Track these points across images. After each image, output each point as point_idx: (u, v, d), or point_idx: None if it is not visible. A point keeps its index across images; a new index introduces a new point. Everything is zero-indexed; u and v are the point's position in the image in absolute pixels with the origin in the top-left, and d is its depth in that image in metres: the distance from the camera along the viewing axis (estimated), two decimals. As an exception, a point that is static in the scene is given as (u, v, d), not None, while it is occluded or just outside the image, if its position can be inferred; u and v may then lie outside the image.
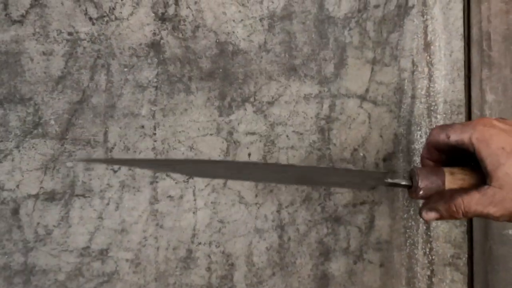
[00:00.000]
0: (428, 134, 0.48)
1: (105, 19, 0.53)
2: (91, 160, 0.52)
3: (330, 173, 0.47)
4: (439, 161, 0.48)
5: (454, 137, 0.44)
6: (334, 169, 0.51)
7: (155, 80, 0.54)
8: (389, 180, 0.46)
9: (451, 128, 0.45)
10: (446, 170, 0.46)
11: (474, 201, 0.43)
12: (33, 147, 0.52)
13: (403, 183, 0.46)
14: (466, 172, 0.46)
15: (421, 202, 0.57)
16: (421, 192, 0.45)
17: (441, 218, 0.45)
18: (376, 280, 0.56)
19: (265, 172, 0.47)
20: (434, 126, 0.54)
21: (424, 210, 0.46)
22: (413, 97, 0.57)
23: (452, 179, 0.45)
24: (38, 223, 0.52)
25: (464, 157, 0.46)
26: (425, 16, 0.57)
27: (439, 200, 0.45)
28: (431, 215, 0.45)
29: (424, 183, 0.45)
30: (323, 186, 0.54)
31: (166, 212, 0.54)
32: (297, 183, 0.53)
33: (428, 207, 0.46)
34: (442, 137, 0.45)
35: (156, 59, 0.54)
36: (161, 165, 0.50)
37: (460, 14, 0.58)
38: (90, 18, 0.53)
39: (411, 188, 0.46)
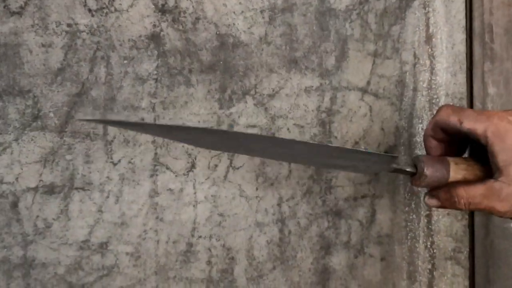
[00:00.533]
0: (436, 111, 0.46)
1: (105, 10, 0.53)
2: (93, 121, 0.50)
3: (336, 152, 0.46)
4: (442, 141, 0.47)
5: (467, 124, 0.43)
6: (340, 148, 0.49)
7: (155, 72, 0.53)
8: (394, 166, 0.45)
9: (464, 114, 0.43)
10: (450, 159, 0.45)
11: (479, 193, 0.42)
12: (32, 140, 0.51)
13: (408, 169, 0.46)
14: (469, 163, 0.45)
15: (422, 194, 0.57)
16: (426, 179, 0.44)
17: (442, 206, 0.45)
18: (377, 274, 0.56)
19: (267, 146, 0.45)
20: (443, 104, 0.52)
21: (428, 195, 0.46)
22: (415, 90, 0.57)
23: (457, 168, 0.45)
24: (37, 216, 0.52)
25: (467, 142, 0.46)
26: (427, 9, 0.56)
27: (440, 188, 0.45)
28: (432, 201, 0.45)
29: (430, 171, 0.44)
30: (325, 168, 0.53)
31: (166, 205, 0.53)
32: (299, 162, 0.51)
33: (430, 193, 0.45)
34: (453, 120, 0.44)
35: (156, 51, 0.53)
36: (163, 131, 0.48)
37: (462, 6, 0.57)
38: (90, 10, 0.52)
39: (415, 175, 0.46)
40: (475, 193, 0.43)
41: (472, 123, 0.43)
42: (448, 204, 0.44)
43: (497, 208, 0.42)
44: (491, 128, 0.42)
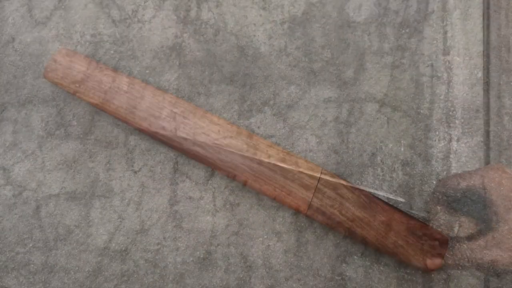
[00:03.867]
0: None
1: (128, 21, 0.53)
2: None
3: None
4: None
5: (465, 183, 0.45)
6: None
7: (176, 82, 0.54)
8: None
9: (461, 175, 0.46)
10: None
11: (480, 245, 0.44)
12: (55, 147, 0.52)
13: None
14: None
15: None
16: None
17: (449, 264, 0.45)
18: (392, 283, 0.56)
19: None
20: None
21: (428, 257, 0.46)
22: (432, 102, 0.57)
23: None
24: (59, 223, 0.52)
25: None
26: (444, 22, 0.57)
27: (442, 246, 0.45)
28: (437, 261, 0.45)
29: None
30: None
31: (185, 213, 0.54)
32: None
33: (432, 253, 0.46)
34: (452, 182, 0.47)
35: (177, 62, 0.54)
36: None
37: (480, 20, 0.58)
38: (113, 21, 0.53)
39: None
40: (476, 247, 0.44)
41: (468, 180, 0.45)
42: (453, 261, 0.45)
43: (500, 259, 0.43)
44: (487, 179, 0.43)
